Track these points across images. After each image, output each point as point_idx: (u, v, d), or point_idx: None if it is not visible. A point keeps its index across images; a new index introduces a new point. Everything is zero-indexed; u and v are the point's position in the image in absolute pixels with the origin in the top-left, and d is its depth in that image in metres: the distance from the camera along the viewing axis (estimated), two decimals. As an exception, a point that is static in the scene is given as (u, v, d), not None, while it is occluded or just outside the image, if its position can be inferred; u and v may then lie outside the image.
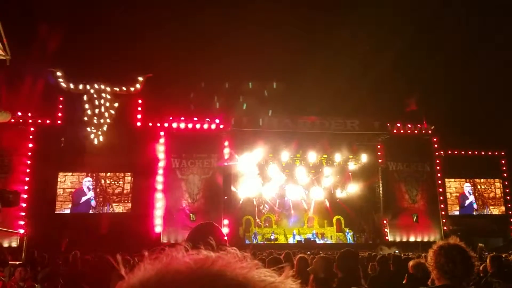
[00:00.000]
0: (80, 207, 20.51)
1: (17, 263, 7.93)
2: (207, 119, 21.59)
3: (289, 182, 23.45)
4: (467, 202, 24.55)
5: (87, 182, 20.79)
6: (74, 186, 20.67)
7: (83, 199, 20.62)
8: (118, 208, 20.78)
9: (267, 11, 23.88)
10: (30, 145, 20.02)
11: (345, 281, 3.56)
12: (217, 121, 21.60)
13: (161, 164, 20.91)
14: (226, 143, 21.54)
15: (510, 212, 24.28)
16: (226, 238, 2.11)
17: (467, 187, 24.73)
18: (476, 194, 24.76)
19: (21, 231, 17.16)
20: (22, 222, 18.68)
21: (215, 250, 0.62)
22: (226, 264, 0.56)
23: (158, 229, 20.05)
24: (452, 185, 24.54)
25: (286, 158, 22.44)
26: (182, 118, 21.43)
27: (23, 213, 18.86)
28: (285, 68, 24.87)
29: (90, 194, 20.71)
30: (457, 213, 24.18)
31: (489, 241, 21.34)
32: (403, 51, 24.75)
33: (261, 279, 0.56)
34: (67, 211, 20.32)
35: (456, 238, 2.81)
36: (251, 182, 22.20)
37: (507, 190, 24.55)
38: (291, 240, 22.28)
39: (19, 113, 19.78)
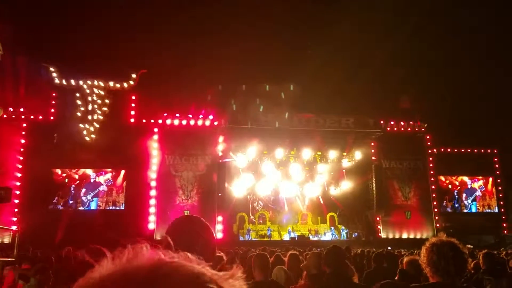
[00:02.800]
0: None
1: (8, 259, 7.86)
2: (201, 116, 21.53)
3: (284, 179, 23.45)
4: (471, 197, 24.65)
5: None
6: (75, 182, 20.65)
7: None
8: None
9: (264, 9, 23.84)
10: (23, 141, 19.87)
11: (333, 276, 3.60)
12: (211, 117, 21.55)
13: (155, 160, 20.83)
14: (221, 140, 21.50)
15: (502, 210, 24.49)
16: (215, 236, 2.02)
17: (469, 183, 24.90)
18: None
19: (14, 227, 17.04)
20: (14, 219, 18.56)
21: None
22: (183, 261, 0.63)
23: (151, 226, 19.99)
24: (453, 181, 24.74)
25: (281, 155, 22.44)
26: (177, 115, 21.35)
27: (16, 209, 18.75)
28: (280, 66, 24.82)
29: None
30: (458, 210, 24.40)
31: (481, 238, 21.53)
32: (397, 49, 24.82)
33: (214, 272, 0.64)
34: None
35: (444, 235, 2.79)
36: (245, 179, 22.19)
37: (499, 188, 24.76)
38: (285, 237, 22.30)
39: (11, 109, 19.61)
